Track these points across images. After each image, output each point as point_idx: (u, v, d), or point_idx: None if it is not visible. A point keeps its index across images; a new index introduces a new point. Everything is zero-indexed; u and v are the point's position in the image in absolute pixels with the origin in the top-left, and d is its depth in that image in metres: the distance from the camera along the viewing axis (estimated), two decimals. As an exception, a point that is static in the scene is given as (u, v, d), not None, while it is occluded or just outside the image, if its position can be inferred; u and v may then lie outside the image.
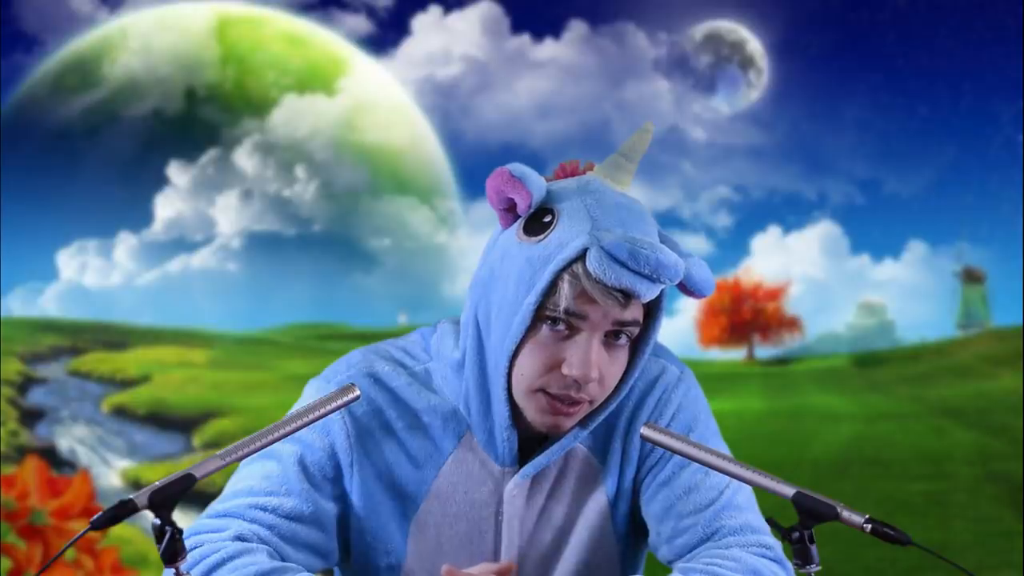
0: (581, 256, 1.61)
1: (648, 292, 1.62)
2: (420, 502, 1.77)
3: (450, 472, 1.77)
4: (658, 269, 1.59)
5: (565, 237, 1.62)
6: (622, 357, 1.69)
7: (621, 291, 1.61)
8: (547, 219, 1.65)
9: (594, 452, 1.80)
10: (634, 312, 1.65)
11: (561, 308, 1.62)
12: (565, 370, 1.65)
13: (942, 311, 10.43)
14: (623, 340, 1.67)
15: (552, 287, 1.62)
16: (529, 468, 1.75)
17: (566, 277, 1.61)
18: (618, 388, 1.72)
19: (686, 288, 1.68)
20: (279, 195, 9.75)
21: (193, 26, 9.60)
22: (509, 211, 1.68)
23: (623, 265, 1.59)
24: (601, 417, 1.74)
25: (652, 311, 1.69)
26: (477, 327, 1.71)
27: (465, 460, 1.76)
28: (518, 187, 1.64)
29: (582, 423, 1.74)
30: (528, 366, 1.66)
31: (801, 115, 9.83)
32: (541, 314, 1.64)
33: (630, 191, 1.73)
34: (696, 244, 9.91)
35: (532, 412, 1.69)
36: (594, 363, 1.64)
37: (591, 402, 1.70)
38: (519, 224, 1.67)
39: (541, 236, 1.64)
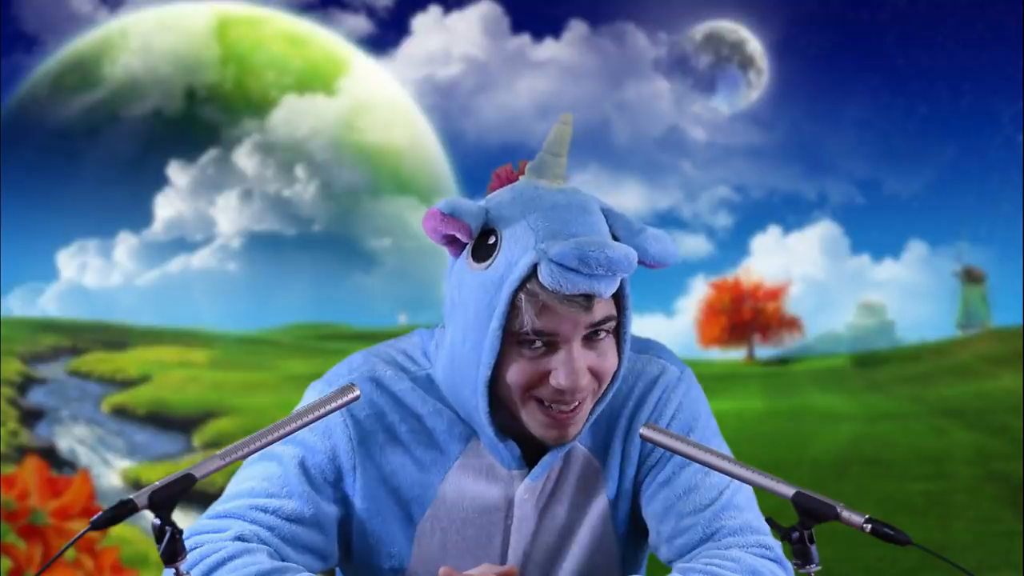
0: (532, 273, 1.60)
1: (607, 288, 1.61)
2: (426, 506, 1.77)
3: (456, 477, 1.76)
4: (610, 266, 1.59)
5: (512, 256, 1.62)
6: (610, 348, 1.69)
7: (581, 296, 1.60)
8: (491, 241, 1.65)
9: (595, 452, 1.79)
10: (603, 310, 1.65)
11: (528, 328, 1.62)
12: (553, 382, 1.64)
13: (942, 311, 10.43)
14: (603, 337, 1.67)
15: (512, 309, 1.62)
16: (539, 469, 1.75)
17: (523, 296, 1.61)
18: (613, 378, 1.71)
19: (646, 264, 1.67)
20: (279, 195, 9.74)
21: (193, 26, 9.60)
22: (453, 243, 1.68)
23: (575, 272, 1.58)
24: (600, 409, 1.74)
25: (621, 301, 1.68)
26: (453, 356, 1.71)
27: (471, 465, 1.76)
28: (453, 224, 1.64)
29: None
30: (516, 384, 1.66)
31: (801, 115, 9.83)
32: (512, 338, 1.64)
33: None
34: (696, 244, 9.91)
35: (535, 427, 1.69)
36: (581, 370, 1.64)
37: (593, 396, 1.70)
38: (467, 253, 1.67)
39: (489, 260, 1.64)
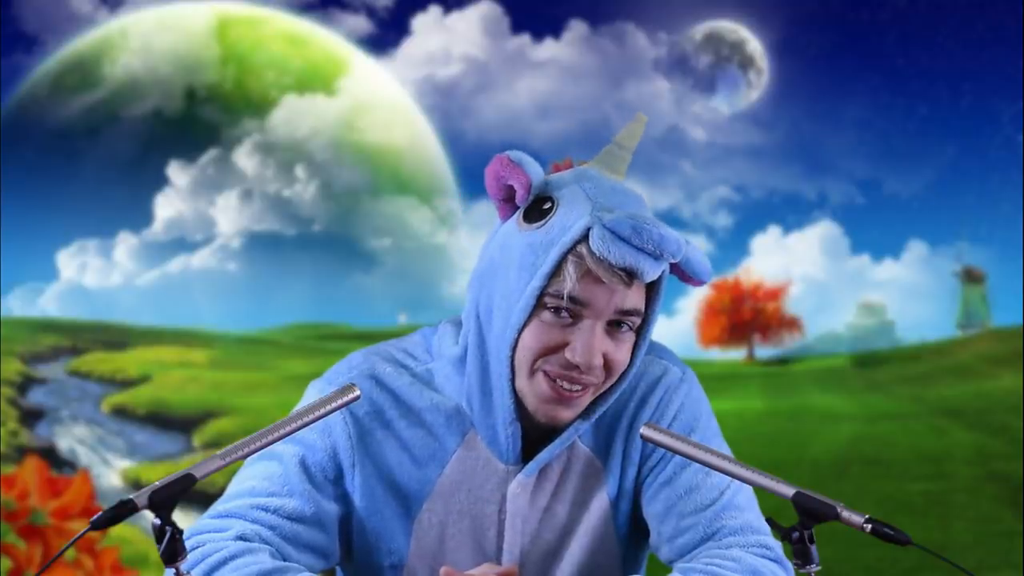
0: (584, 238, 1.62)
1: (651, 270, 1.62)
2: (423, 501, 1.77)
3: (453, 470, 1.77)
4: (661, 244, 1.61)
5: (567, 220, 1.64)
6: (627, 344, 1.69)
7: (625, 269, 1.61)
8: (547, 206, 1.67)
9: (596, 452, 1.80)
10: (635, 299, 1.65)
11: (565, 292, 1.63)
12: (568, 355, 1.65)
13: (942, 311, 10.44)
14: (625, 330, 1.68)
15: (556, 271, 1.63)
16: (532, 465, 1.75)
17: (570, 259, 1.62)
18: (621, 377, 1.72)
19: (685, 274, 1.69)
20: (279, 195, 9.75)
21: (193, 26, 9.61)
22: (507, 201, 1.69)
23: (626, 241, 1.60)
24: (603, 408, 1.74)
25: (650, 302, 1.69)
26: (478, 321, 1.71)
27: (469, 458, 1.76)
28: (516, 171, 1.66)
29: (584, 414, 1.74)
30: (530, 348, 1.66)
31: (801, 115, 9.84)
32: (543, 302, 1.64)
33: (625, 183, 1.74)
34: (696, 244, 9.92)
35: (534, 400, 1.69)
36: (597, 349, 1.65)
37: (596, 388, 1.70)
38: (519, 213, 1.69)
39: (542, 222, 1.66)
